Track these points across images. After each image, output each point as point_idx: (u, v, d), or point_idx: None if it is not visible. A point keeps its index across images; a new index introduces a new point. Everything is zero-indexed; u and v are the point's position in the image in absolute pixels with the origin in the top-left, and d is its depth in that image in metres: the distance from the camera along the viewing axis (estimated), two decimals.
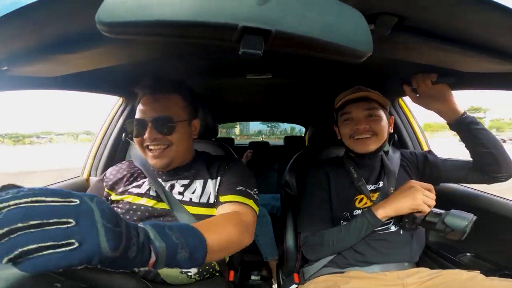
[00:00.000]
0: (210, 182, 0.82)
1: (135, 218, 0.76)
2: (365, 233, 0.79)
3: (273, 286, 1.57)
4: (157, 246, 0.37)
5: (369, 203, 0.87)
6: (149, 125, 0.74)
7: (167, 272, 0.73)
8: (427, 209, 0.72)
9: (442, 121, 0.87)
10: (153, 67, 0.98)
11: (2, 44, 0.51)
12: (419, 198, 0.72)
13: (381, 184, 0.90)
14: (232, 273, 0.88)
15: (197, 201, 0.79)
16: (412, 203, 0.73)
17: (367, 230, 0.79)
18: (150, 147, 0.77)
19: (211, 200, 0.80)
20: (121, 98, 1.33)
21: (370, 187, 0.90)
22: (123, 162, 0.92)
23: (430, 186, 0.76)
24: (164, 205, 0.77)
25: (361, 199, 0.88)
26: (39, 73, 0.67)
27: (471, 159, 0.88)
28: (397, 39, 0.50)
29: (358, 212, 0.86)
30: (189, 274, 0.76)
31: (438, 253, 1.01)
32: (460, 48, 0.52)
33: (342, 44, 0.33)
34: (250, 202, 0.73)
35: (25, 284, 0.36)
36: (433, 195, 0.74)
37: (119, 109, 1.34)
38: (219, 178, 0.82)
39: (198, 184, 0.82)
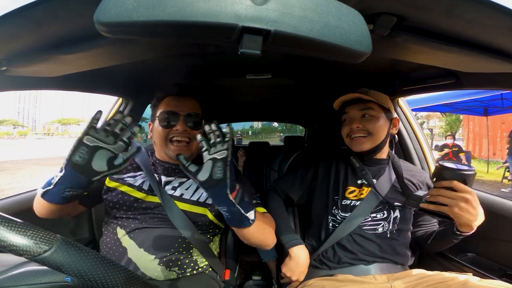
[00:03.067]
0: None
1: (124, 208, 0.79)
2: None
3: (273, 286, 1.57)
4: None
5: (359, 196, 0.90)
6: (181, 118, 0.81)
7: (145, 266, 0.75)
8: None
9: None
10: (153, 67, 0.99)
11: (1, 44, 0.51)
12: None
13: (374, 181, 0.90)
14: (228, 272, 0.88)
15: (187, 197, 0.82)
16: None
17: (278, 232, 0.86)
18: (176, 138, 0.81)
19: (202, 199, 0.83)
20: (121, 98, 1.33)
21: (364, 181, 0.92)
22: None
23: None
24: (155, 199, 0.80)
25: (353, 191, 0.91)
26: (39, 73, 0.67)
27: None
28: (396, 39, 0.50)
29: (347, 202, 0.89)
30: (172, 269, 0.76)
31: (439, 253, 1.00)
32: (460, 48, 0.52)
33: (341, 44, 0.33)
34: (265, 209, 0.89)
35: None
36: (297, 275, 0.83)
37: (118, 109, 1.34)
38: None
39: (192, 182, 0.85)
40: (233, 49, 0.31)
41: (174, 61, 0.94)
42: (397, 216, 0.87)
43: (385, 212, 0.87)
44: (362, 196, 0.89)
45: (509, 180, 6.08)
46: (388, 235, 0.86)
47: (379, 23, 0.46)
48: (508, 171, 6.19)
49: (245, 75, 1.12)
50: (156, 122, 0.83)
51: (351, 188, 0.91)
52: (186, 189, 0.83)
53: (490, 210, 0.92)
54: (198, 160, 0.89)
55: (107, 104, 1.41)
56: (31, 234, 0.31)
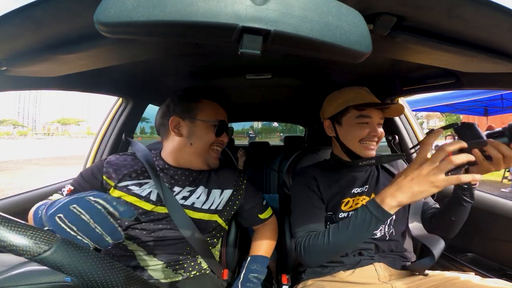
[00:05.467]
0: (216, 192, 0.85)
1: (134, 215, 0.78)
2: (368, 230, 0.64)
3: (273, 286, 1.57)
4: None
5: (354, 206, 0.86)
6: (227, 130, 0.86)
7: (152, 269, 0.76)
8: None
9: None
10: (153, 67, 0.99)
11: (1, 44, 0.51)
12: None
13: (366, 188, 0.89)
14: (226, 272, 0.89)
15: (199, 206, 0.81)
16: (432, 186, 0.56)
17: (369, 226, 0.63)
18: (217, 148, 0.85)
19: (213, 207, 0.83)
20: (121, 98, 1.33)
21: (357, 189, 0.88)
22: (127, 153, 0.88)
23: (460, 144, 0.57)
24: (163, 209, 0.78)
25: (347, 202, 0.86)
26: (39, 73, 0.67)
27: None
28: (396, 39, 0.50)
29: (344, 215, 0.84)
30: (178, 272, 0.79)
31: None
32: (460, 48, 0.52)
33: (341, 44, 0.33)
34: (271, 210, 0.97)
35: None
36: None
37: (118, 109, 1.34)
38: (231, 190, 0.88)
39: (203, 190, 0.84)
40: (233, 49, 0.31)
41: (174, 61, 0.94)
42: (392, 218, 0.85)
43: None
44: (357, 206, 0.85)
45: (509, 180, 6.08)
46: (387, 238, 0.84)
47: (379, 23, 0.45)
48: (508, 171, 6.19)
49: (245, 75, 1.12)
50: (203, 125, 0.81)
51: (346, 200, 0.87)
52: (198, 198, 0.82)
53: (490, 210, 0.92)
54: (201, 172, 0.88)
55: (107, 104, 1.41)
56: (31, 234, 0.31)
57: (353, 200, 0.87)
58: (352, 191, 0.88)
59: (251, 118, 3.26)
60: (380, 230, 0.84)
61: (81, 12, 0.42)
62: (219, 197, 0.85)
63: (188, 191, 0.82)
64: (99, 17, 0.28)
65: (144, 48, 0.65)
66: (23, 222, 0.33)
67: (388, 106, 0.86)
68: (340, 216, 0.85)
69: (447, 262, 0.98)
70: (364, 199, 0.87)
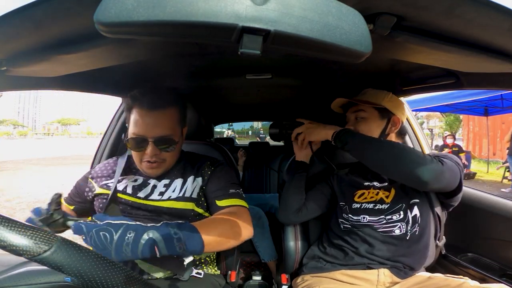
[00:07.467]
0: (190, 180, 0.85)
1: (116, 211, 0.81)
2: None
3: (273, 286, 1.57)
4: (160, 249, 0.56)
5: (369, 198, 0.87)
6: (150, 143, 0.77)
7: (148, 265, 0.76)
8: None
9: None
10: (153, 67, 0.99)
11: (1, 44, 0.51)
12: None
13: (386, 183, 0.90)
14: (234, 274, 0.90)
15: (175, 196, 0.83)
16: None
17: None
18: (146, 161, 0.79)
19: (187, 194, 0.83)
20: (122, 98, 1.33)
21: (375, 183, 0.91)
22: (112, 158, 0.97)
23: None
24: (141, 201, 0.82)
25: (362, 194, 0.90)
26: (39, 73, 0.67)
27: None
28: (396, 39, 0.50)
29: (357, 206, 0.88)
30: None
31: (439, 253, 1.00)
32: (460, 48, 0.52)
33: (341, 44, 0.32)
34: (242, 202, 0.80)
35: None
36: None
37: (119, 109, 1.34)
38: (201, 178, 0.86)
39: (178, 182, 0.85)
40: (233, 49, 0.31)
41: (174, 61, 0.94)
42: (416, 215, 0.82)
43: (402, 212, 0.83)
44: (372, 199, 0.87)
45: (509, 180, 6.08)
46: (408, 237, 0.81)
47: (379, 23, 0.45)
48: (508, 171, 6.19)
49: (245, 75, 1.12)
50: (129, 141, 0.79)
51: (360, 192, 0.90)
52: (173, 191, 0.84)
53: (490, 210, 0.92)
54: (174, 167, 0.87)
55: (107, 104, 1.41)
56: (31, 234, 0.31)
57: (369, 192, 0.89)
58: (365, 183, 0.92)
59: (251, 118, 3.26)
60: (399, 227, 0.81)
61: (81, 12, 0.41)
62: (192, 185, 0.85)
63: (164, 186, 0.84)
64: (99, 17, 0.28)
65: (144, 48, 0.66)
66: (23, 222, 0.33)
67: (354, 102, 0.92)
68: (353, 207, 0.89)
69: (447, 262, 0.98)
70: (379, 192, 0.89)
